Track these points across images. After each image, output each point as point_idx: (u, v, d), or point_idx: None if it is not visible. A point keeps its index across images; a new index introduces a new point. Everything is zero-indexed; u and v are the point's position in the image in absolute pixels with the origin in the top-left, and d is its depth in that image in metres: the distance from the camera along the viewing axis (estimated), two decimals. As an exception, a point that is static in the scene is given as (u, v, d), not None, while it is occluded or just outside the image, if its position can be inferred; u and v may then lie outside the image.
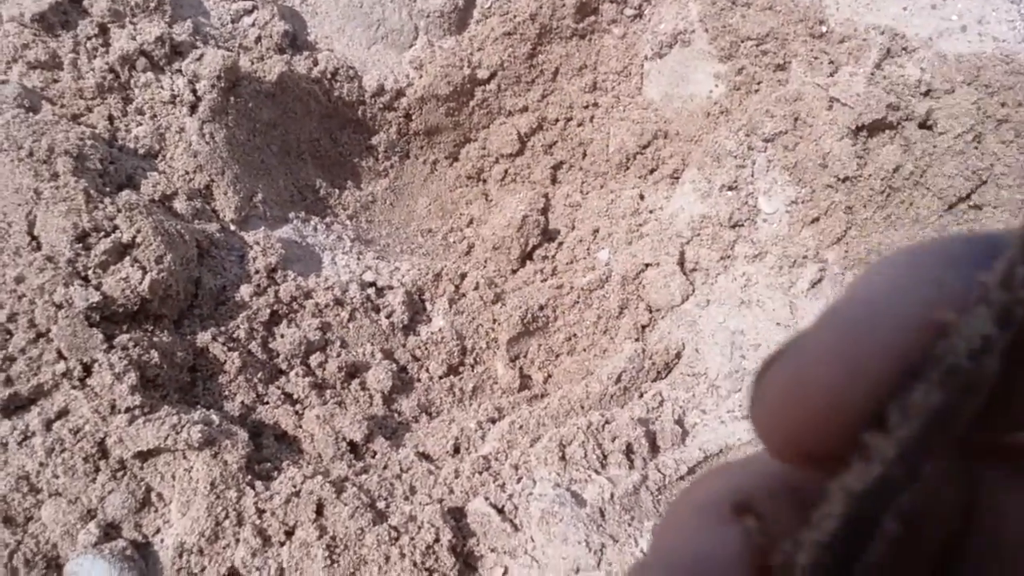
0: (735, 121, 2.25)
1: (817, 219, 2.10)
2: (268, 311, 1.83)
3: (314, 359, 1.84)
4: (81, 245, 1.59)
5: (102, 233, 1.62)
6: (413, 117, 2.47)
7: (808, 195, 2.12)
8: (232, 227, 1.92)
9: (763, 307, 1.99)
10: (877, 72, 2.19)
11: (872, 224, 2.10)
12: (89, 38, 1.91)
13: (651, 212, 2.31)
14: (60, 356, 1.51)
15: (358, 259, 2.11)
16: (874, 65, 2.20)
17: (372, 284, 2.03)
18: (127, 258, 1.62)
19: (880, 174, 2.10)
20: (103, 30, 1.93)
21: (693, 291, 2.09)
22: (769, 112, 2.19)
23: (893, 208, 2.12)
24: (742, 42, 2.35)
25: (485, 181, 2.57)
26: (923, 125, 2.13)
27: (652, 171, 2.44)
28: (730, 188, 2.17)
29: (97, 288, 1.56)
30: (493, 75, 2.53)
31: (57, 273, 1.54)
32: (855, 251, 2.08)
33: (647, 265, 2.14)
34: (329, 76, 2.27)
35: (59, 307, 1.52)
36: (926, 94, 2.15)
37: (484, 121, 2.57)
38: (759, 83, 2.35)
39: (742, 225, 2.13)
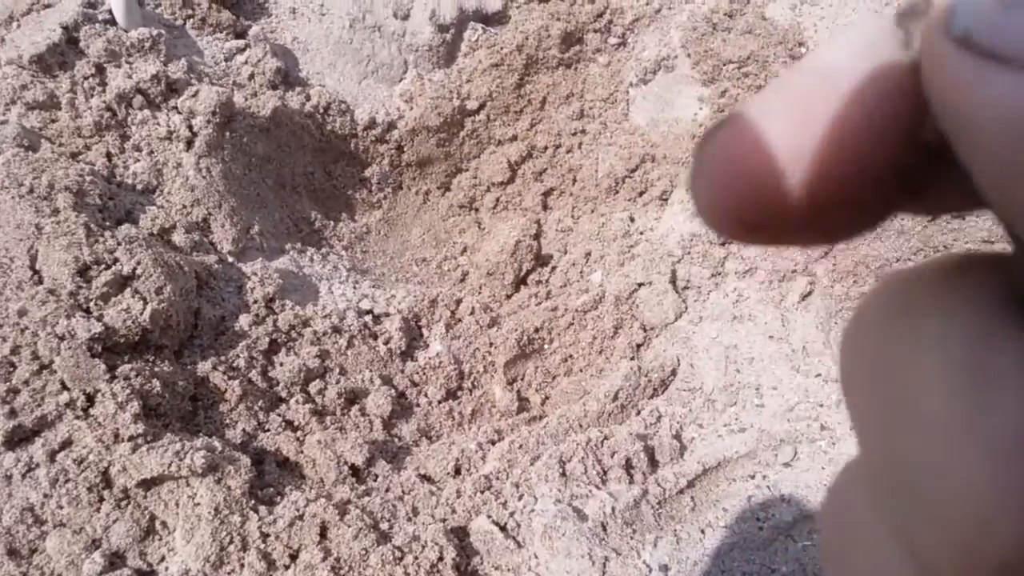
0: (720, 142, 2.30)
1: (805, 234, 2.14)
2: (267, 340, 1.85)
3: (314, 386, 1.86)
4: (82, 278, 1.62)
5: (103, 266, 1.64)
6: (405, 149, 2.51)
7: (795, 211, 2.16)
8: (230, 259, 1.95)
9: (755, 321, 2.02)
10: (856, 90, 2.25)
11: (859, 237, 2.14)
12: (86, 78, 1.95)
13: (642, 233, 2.35)
14: (63, 387, 1.53)
15: (354, 288, 2.14)
16: (853, 84, 2.26)
17: (369, 312, 2.06)
18: (128, 289, 1.64)
19: (864, 189, 2.14)
20: (100, 70, 1.98)
21: (686, 308, 2.12)
22: (753, 132, 2.24)
23: (878, 221, 2.16)
24: (724, 65, 2.41)
25: (477, 210, 2.61)
26: (904, 140, 2.18)
27: (641, 194, 2.48)
28: (718, 207, 2.21)
29: (99, 319, 1.59)
30: (482, 106, 2.58)
31: (59, 305, 1.56)
32: (843, 264, 2.12)
33: (640, 285, 2.17)
34: (322, 111, 2.32)
35: (62, 339, 1.54)
36: (905, 110, 2.21)
37: (475, 151, 2.62)
38: (742, 105, 2.40)
39: (731, 242, 2.17)
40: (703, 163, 0.23)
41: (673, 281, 2.14)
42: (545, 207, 2.58)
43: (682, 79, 2.53)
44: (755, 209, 0.23)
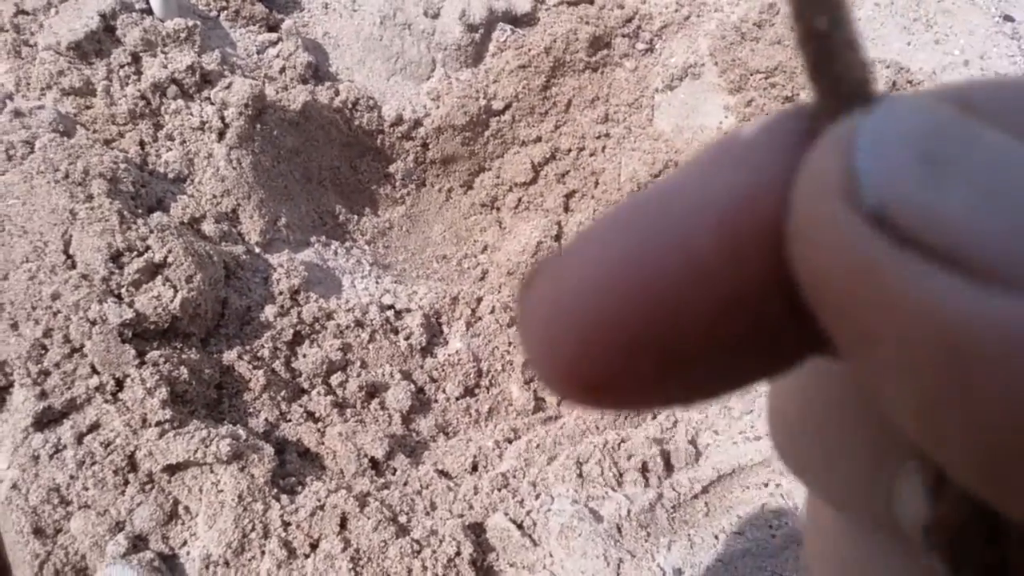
0: (745, 151, 2.32)
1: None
2: (291, 331, 1.87)
3: (335, 379, 1.88)
4: (115, 264, 1.64)
5: (135, 253, 1.67)
6: (430, 146, 2.53)
7: (817, 223, 2.17)
8: (257, 250, 1.98)
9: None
10: (882, 105, 2.25)
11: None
12: (122, 66, 1.98)
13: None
14: (93, 371, 1.55)
15: (377, 283, 2.16)
16: (880, 98, 2.27)
17: (391, 307, 2.08)
18: (159, 277, 1.67)
19: (887, 203, 2.15)
20: (135, 59, 2.00)
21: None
22: (778, 142, 2.25)
23: (900, 236, 2.17)
24: (751, 75, 2.42)
25: (499, 209, 2.63)
26: (928, 156, 2.19)
27: None
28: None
29: (130, 305, 1.61)
30: (508, 106, 2.60)
31: (92, 290, 1.59)
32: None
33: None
34: (350, 106, 2.34)
35: (93, 323, 1.57)
36: (930, 126, 2.21)
37: (498, 151, 2.63)
38: (768, 114, 2.41)
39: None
40: (525, 312, 0.19)
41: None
42: (567, 209, 2.60)
43: (708, 87, 2.54)
44: (588, 370, 0.18)
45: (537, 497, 1.66)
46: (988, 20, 2.59)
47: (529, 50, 2.58)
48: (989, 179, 0.16)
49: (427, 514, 1.63)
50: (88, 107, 1.95)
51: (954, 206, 0.15)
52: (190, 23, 2.07)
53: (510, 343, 2.13)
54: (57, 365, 1.54)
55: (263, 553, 1.49)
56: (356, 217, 2.40)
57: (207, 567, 1.48)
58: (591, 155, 2.64)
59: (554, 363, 0.19)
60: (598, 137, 2.64)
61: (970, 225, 0.15)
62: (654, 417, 1.95)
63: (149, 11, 2.07)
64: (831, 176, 0.16)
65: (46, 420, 1.53)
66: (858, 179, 0.16)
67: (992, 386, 0.15)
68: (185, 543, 1.54)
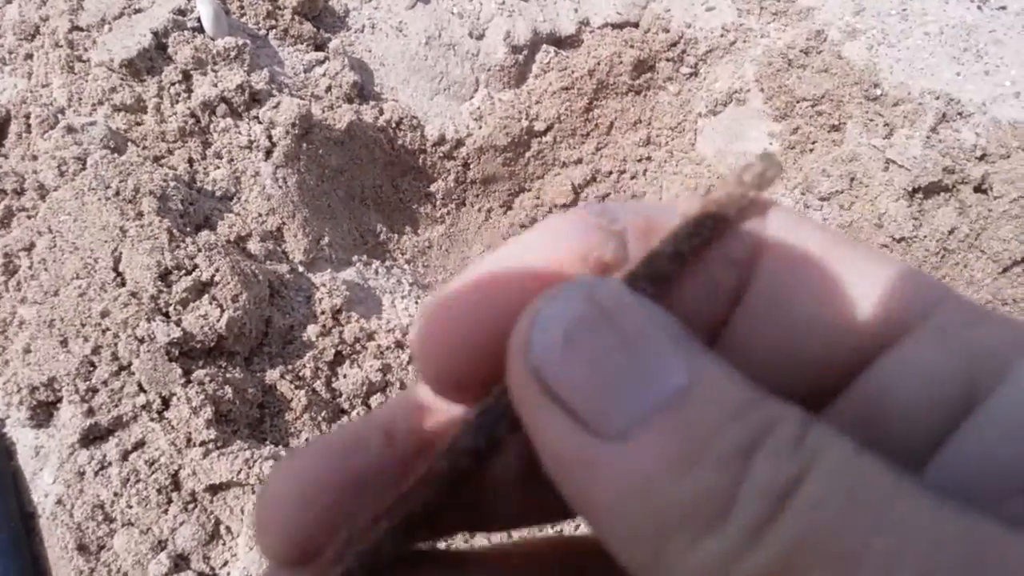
0: (791, 179, 2.29)
1: (872, 278, 2.12)
2: (333, 351, 1.87)
3: (374, 400, 1.88)
4: (163, 282, 1.65)
5: (183, 271, 1.68)
6: (471, 166, 2.53)
7: (863, 254, 2.14)
8: (300, 268, 1.98)
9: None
10: (933, 135, 2.22)
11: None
12: (173, 84, 2.00)
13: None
14: (140, 389, 1.56)
15: (416, 303, 2.16)
16: (930, 128, 2.24)
17: (431, 328, 2.08)
18: (206, 296, 1.68)
19: (935, 235, 2.12)
20: (186, 76, 2.02)
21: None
22: (825, 171, 2.23)
23: (948, 269, 2.14)
24: (797, 102, 2.40)
25: (539, 230, 2.62)
26: (978, 189, 2.16)
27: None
28: (785, 245, 2.20)
29: (177, 324, 1.62)
30: (549, 127, 2.60)
31: (140, 309, 1.60)
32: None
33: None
34: (394, 125, 2.35)
35: (141, 341, 1.58)
36: (981, 158, 2.18)
37: (539, 171, 2.63)
38: (814, 143, 2.39)
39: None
40: (420, 327, 0.29)
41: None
42: (607, 232, 2.59)
43: (753, 113, 2.52)
44: (435, 375, 0.28)
45: (577, 528, 1.65)
46: (1040, 51, 2.55)
47: (572, 72, 2.57)
48: (594, 358, 0.24)
49: (465, 540, 1.62)
50: (138, 123, 1.97)
51: (574, 372, 0.24)
52: (240, 42, 2.09)
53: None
54: (105, 383, 1.55)
55: (303, 577, 1.48)
56: (396, 236, 2.40)
57: (247, 589, 1.48)
58: (632, 178, 2.63)
59: (423, 369, 0.28)
60: (639, 160, 2.63)
61: (577, 388, 0.24)
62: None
63: (201, 29, 2.09)
64: (519, 337, 0.25)
65: (92, 437, 1.54)
66: (529, 344, 0.24)
67: (590, 497, 0.24)
68: (226, 563, 1.54)
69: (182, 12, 2.09)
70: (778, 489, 0.21)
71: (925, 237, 2.11)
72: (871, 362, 0.27)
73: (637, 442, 0.22)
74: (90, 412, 1.53)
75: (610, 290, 0.25)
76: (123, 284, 1.64)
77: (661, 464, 0.22)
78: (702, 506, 0.22)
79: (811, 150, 2.38)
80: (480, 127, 2.52)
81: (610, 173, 2.63)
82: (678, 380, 0.23)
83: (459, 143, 2.49)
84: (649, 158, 2.63)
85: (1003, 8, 2.72)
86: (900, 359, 0.26)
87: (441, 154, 2.47)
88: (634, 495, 0.22)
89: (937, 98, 2.29)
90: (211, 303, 1.67)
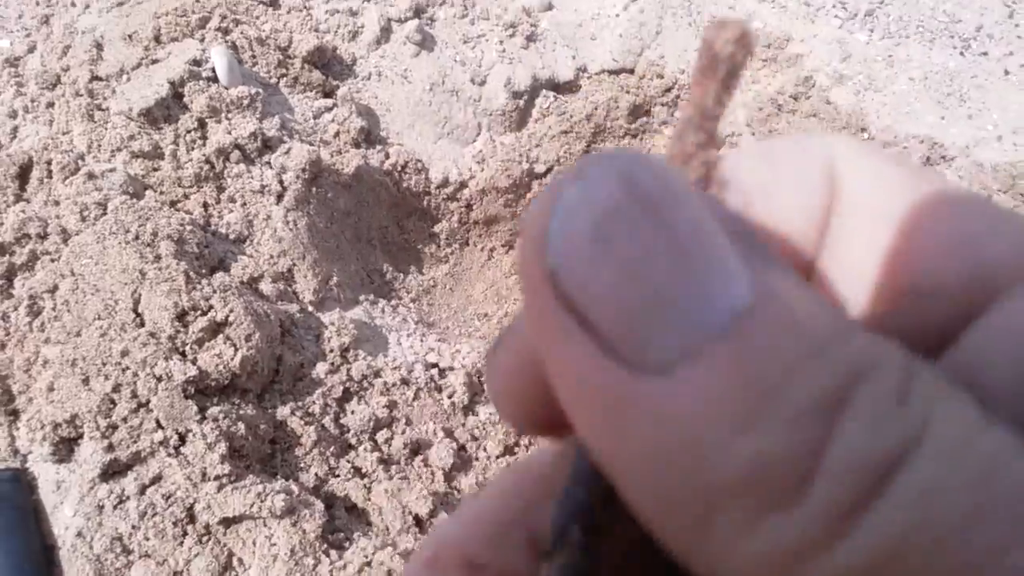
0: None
1: (860, 316, 2.20)
2: (341, 388, 1.94)
3: (381, 435, 1.95)
4: (180, 322, 1.73)
5: (199, 312, 1.76)
6: (474, 207, 2.62)
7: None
8: (310, 308, 2.06)
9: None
10: (917, 178, 2.31)
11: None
12: (189, 131, 2.09)
13: (699, 304, 2.42)
14: (158, 425, 1.63)
15: (421, 341, 2.24)
16: (914, 172, 2.33)
17: (435, 365, 2.15)
18: (220, 336, 1.75)
19: (921, 275, 2.20)
20: (201, 124, 2.12)
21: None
22: (814, 213, 2.31)
23: (934, 308, 2.21)
24: (787, 146, 2.49)
25: (539, 269, 2.70)
26: (962, 230, 2.24)
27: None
28: (776, 284, 2.28)
29: (193, 363, 1.70)
30: (549, 169, 2.69)
31: (159, 348, 1.68)
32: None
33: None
34: (399, 168, 2.44)
35: (159, 380, 1.65)
36: (964, 200, 2.26)
37: (539, 212, 2.72)
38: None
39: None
40: (493, 371, 0.27)
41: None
42: (605, 271, 2.67)
43: (745, 156, 2.61)
44: (529, 415, 0.27)
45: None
46: (1021, 96, 2.65)
47: (571, 116, 2.67)
48: (631, 262, 0.18)
49: (470, 573, 1.68)
50: (155, 169, 2.06)
51: (603, 281, 0.18)
52: (253, 91, 2.19)
53: (549, 404, 2.19)
54: (124, 419, 1.62)
55: (313, 608, 1.54)
56: (402, 275, 2.49)
57: (259, 619, 1.54)
58: (629, 218, 2.71)
59: (502, 407, 0.27)
60: (636, 201, 2.72)
61: (607, 302, 0.18)
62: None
63: (215, 79, 2.19)
64: (533, 228, 0.20)
65: (112, 471, 1.61)
66: (546, 239, 0.19)
67: (619, 449, 0.19)
68: (238, 595, 1.60)
69: (198, 62, 2.19)
70: (876, 461, 0.16)
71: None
72: (964, 327, 0.22)
73: (684, 380, 0.17)
74: (110, 448, 1.60)
75: (654, 172, 0.19)
76: (142, 324, 1.72)
77: (715, 412, 0.17)
78: (769, 475, 0.17)
79: (801, 192, 2.47)
80: (482, 169, 2.61)
81: (608, 213, 2.71)
82: (741, 296, 0.18)
83: (462, 185, 2.59)
84: (645, 199, 2.72)
85: (984, 54, 2.83)
86: (996, 325, 0.22)
87: (445, 196, 2.56)
88: (677, 450, 0.17)
89: (921, 142, 2.38)
90: (225, 342, 1.75)
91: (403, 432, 1.97)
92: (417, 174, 2.49)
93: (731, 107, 2.64)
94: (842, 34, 2.77)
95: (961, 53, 2.81)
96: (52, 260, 1.86)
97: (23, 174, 2.08)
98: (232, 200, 2.07)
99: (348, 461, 1.87)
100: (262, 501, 1.59)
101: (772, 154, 0.29)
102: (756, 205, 0.27)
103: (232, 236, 2.03)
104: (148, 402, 1.64)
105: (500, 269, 2.70)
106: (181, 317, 1.74)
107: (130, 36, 2.23)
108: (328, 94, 2.45)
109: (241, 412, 1.74)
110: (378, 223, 2.46)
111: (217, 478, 1.61)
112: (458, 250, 2.65)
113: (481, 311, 2.60)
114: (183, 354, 1.71)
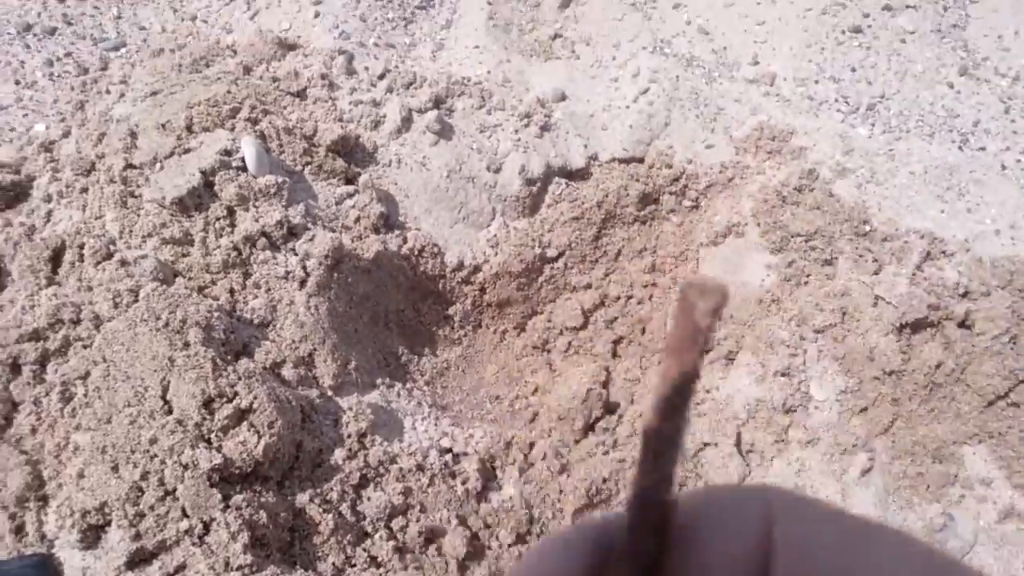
0: (787, 311, 2.45)
1: (865, 409, 2.25)
2: (358, 474, 1.99)
3: (396, 523, 1.98)
4: (207, 410, 1.78)
5: (224, 399, 1.81)
6: (487, 290, 2.70)
7: (856, 385, 2.28)
8: (329, 393, 2.11)
9: (816, 493, 2.11)
10: (918, 273, 2.39)
11: (917, 417, 2.24)
12: (218, 219, 2.17)
13: (707, 391, 2.48)
14: (184, 514, 1.67)
15: (436, 424, 2.28)
16: (915, 266, 2.40)
17: (449, 450, 2.19)
18: (245, 423, 1.80)
19: (923, 369, 2.26)
20: (230, 212, 2.20)
21: (750, 472, 2.22)
22: (819, 305, 2.38)
23: (936, 402, 2.27)
24: (792, 237, 2.57)
25: (550, 351, 2.76)
26: (962, 324, 2.31)
27: (707, 351, 2.62)
28: (783, 374, 2.34)
29: (219, 450, 1.74)
30: (561, 254, 2.78)
31: (186, 436, 1.73)
32: (902, 442, 2.21)
33: (705, 444, 2.28)
34: (416, 252, 2.52)
35: (186, 467, 1.70)
36: (964, 295, 2.34)
37: (551, 296, 2.79)
38: (808, 275, 2.56)
39: (795, 411, 2.29)
40: None
41: (738, 444, 2.25)
42: (615, 355, 2.73)
43: (751, 245, 2.70)
44: None
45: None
46: (1018, 191, 2.74)
47: (582, 203, 2.76)
48: None
49: (484, 667, 1.70)
50: (184, 255, 2.13)
51: None
52: (279, 179, 2.28)
53: (561, 491, 2.23)
54: (152, 507, 1.66)
55: None
56: (416, 357, 2.55)
57: None
58: (639, 303, 2.78)
59: None
60: (645, 286, 2.80)
61: None
62: None
63: (244, 168, 2.28)
64: None
65: (138, 560, 1.64)
66: None
67: None
68: None
69: (228, 152, 2.28)
70: None
71: (914, 371, 2.26)
72: None
73: None
74: (137, 536, 1.64)
75: None
76: (170, 412, 1.77)
77: None
78: None
79: (805, 283, 2.55)
80: (496, 254, 2.69)
81: (618, 298, 2.79)
82: None
83: (476, 268, 2.66)
84: (655, 284, 2.80)
85: (983, 149, 2.93)
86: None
87: (460, 279, 2.64)
88: None
89: (922, 237, 2.46)
90: (249, 430, 1.80)
91: (418, 520, 2.01)
92: (433, 258, 2.57)
93: (738, 197, 2.74)
94: (844, 128, 2.88)
95: (960, 147, 2.91)
96: (84, 346, 1.92)
97: (55, 257, 2.15)
98: (257, 286, 2.14)
99: (364, 549, 1.90)
100: (283, 592, 1.62)
101: (713, 507, 0.33)
102: (699, 555, 0.31)
103: (256, 321, 2.10)
104: (175, 490, 1.68)
105: (512, 351, 2.76)
106: (207, 404, 1.79)
107: (163, 125, 2.32)
108: (350, 181, 2.54)
109: (263, 500, 1.78)
110: (395, 306, 2.52)
111: (240, 568, 1.64)
112: (471, 332, 2.72)
113: (493, 393, 2.65)
114: (208, 441, 1.76)
